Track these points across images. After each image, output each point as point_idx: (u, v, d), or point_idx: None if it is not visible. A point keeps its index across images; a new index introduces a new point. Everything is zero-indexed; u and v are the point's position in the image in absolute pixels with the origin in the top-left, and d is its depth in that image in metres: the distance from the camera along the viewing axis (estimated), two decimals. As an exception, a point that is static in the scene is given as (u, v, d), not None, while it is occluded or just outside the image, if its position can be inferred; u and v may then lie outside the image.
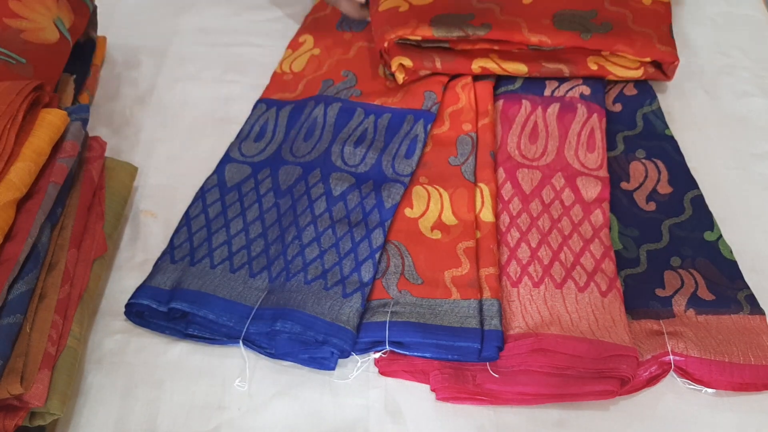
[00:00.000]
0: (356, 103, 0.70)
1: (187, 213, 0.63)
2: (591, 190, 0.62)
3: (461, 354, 0.52)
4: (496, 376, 0.52)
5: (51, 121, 0.55)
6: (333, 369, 0.53)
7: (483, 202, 0.60)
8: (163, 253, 0.60)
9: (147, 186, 0.67)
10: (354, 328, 0.52)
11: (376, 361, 0.54)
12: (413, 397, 0.53)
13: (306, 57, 0.77)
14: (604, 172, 0.64)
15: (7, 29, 0.63)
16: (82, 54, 0.72)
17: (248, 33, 0.83)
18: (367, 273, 0.56)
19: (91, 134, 0.62)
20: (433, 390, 0.53)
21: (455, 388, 0.52)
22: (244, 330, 0.53)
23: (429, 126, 0.66)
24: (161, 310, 0.55)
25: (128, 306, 0.56)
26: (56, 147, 0.55)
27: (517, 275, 0.57)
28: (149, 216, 0.65)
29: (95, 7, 0.73)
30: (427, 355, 0.52)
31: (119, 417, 0.52)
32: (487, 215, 0.60)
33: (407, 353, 0.53)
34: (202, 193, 0.64)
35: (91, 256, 0.56)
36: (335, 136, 0.67)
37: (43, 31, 0.65)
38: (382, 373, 0.54)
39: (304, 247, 0.58)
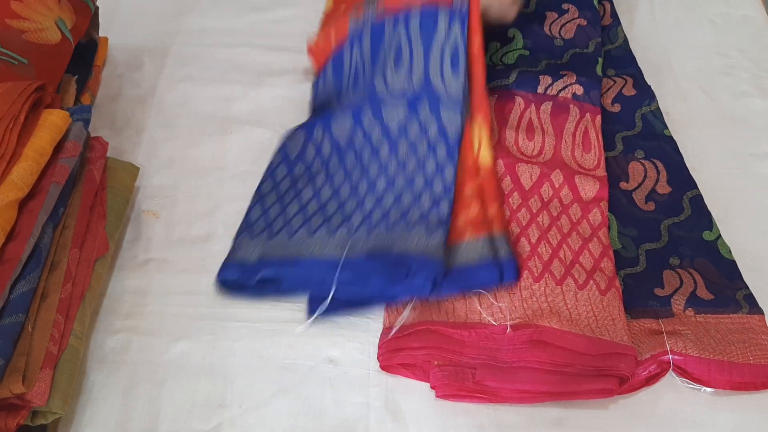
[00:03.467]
0: (382, 20, 0.66)
1: (258, 190, 0.63)
2: (589, 189, 0.62)
3: (483, 281, 0.54)
4: (498, 370, 0.52)
5: (53, 121, 0.55)
6: (428, 295, 0.54)
7: (480, 143, 0.60)
8: (240, 231, 0.60)
9: (149, 186, 0.67)
10: (441, 259, 0.53)
11: (378, 355, 0.55)
12: (413, 395, 0.53)
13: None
14: (601, 172, 0.64)
15: (8, 30, 0.64)
16: (83, 55, 0.73)
17: (249, 34, 0.83)
18: (445, 208, 0.56)
19: (93, 135, 0.62)
20: (432, 387, 0.53)
21: (455, 386, 0.52)
22: (335, 280, 0.54)
23: (465, 30, 0.60)
24: (251, 282, 0.56)
25: (218, 282, 0.57)
26: (58, 147, 0.55)
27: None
28: (151, 216, 0.65)
29: (97, 8, 0.73)
30: (453, 291, 0.54)
31: (121, 415, 0.52)
32: (485, 156, 0.60)
33: (436, 295, 0.54)
34: (270, 170, 0.64)
35: (93, 256, 0.56)
36: (374, 65, 0.64)
37: (45, 32, 0.65)
38: (383, 367, 0.54)
39: (380, 199, 0.58)
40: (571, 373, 0.51)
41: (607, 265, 0.57)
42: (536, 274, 0.56)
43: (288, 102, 0.75)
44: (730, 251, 0.60)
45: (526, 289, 0.56)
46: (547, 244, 0.58)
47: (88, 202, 0.58)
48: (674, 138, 0.68)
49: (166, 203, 0.66)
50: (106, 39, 0.79)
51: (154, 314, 0.58)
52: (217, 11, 0.86)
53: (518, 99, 0.69)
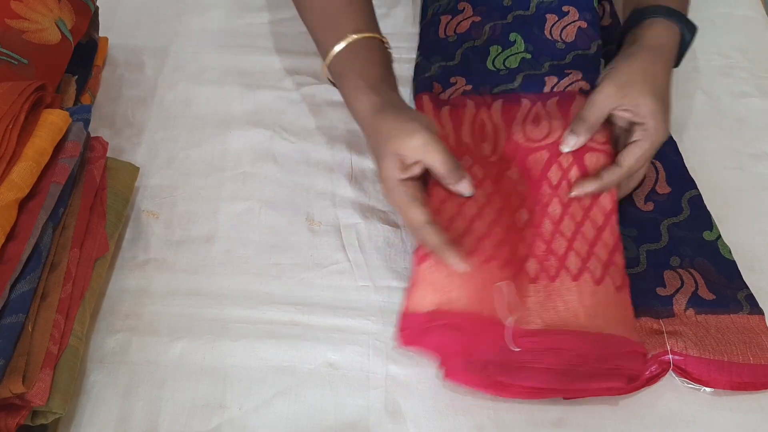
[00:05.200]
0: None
1: None
2: (599, 167, 0.60)
3: None
4: (517, 347, 0.52)
5: (53, 121, 0.55)
6: None
7: None
8: None
9: (148, 186, 0.67)
10: None
11: (400, 334, 0.54)
12: (413, 396, 0.53)
13: None
14: (610, 148, 0.61)
15: (9, 30, 0.64)
16: (83, 55, 0.73)
17: (249, 35, 0.83)
18: None
19: (92, 135, 0.62)
20: (441, 367, 0.53)
21: (465, 374, 0.52)
22: None
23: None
24: None
25: None
26: (58, 147, 0.55)
27: (536, 272, 0.56)
28: (151, 216, 0.65)
29: (97, 8, 0.73)
30: None
31: (121, 416, 0.52)
32: None
33: None
34: None
35: (92, 256, 0.56)
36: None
37: (45, 32, 0.65)
38: (405, 344, 0.54)
39: None
40: (583, 371, 0.51)
41: (619, 259, 0.56)
42: (551, 274, 0.56)
43: (288, 103, 0.75)
44: (730, 251, 0.60)
45: (543, 290, 0.55)
46: (561, 237, 0.57)
47: (88, 202, 0.58)
48: (674, 138, 0.68)
49: (166, 203, 0.66)
50: (106, 39, 0.79)
51: (154, 314, 0.58)
52: (217, 12, 0.86)
53: (524, 101, 0.69)
